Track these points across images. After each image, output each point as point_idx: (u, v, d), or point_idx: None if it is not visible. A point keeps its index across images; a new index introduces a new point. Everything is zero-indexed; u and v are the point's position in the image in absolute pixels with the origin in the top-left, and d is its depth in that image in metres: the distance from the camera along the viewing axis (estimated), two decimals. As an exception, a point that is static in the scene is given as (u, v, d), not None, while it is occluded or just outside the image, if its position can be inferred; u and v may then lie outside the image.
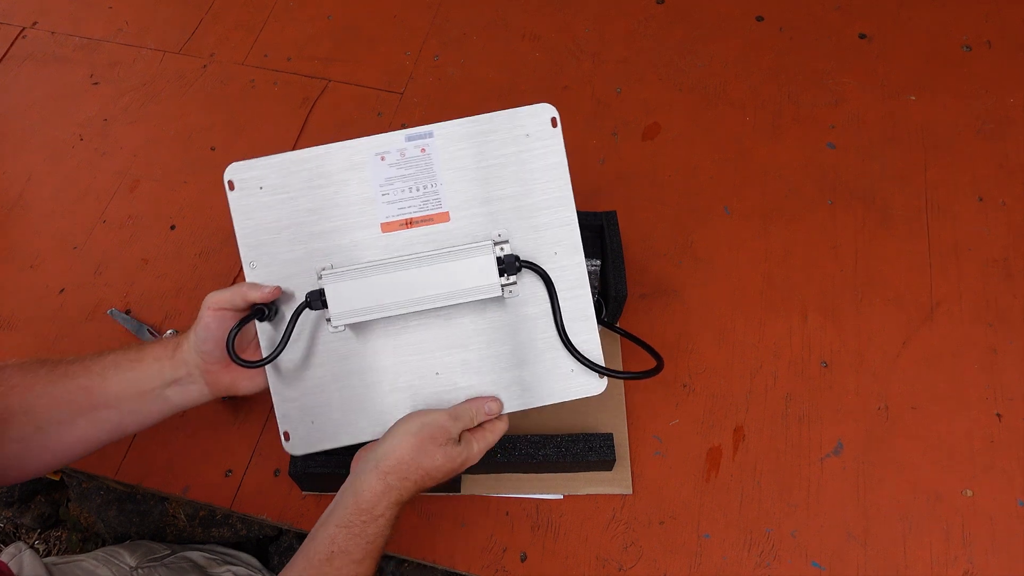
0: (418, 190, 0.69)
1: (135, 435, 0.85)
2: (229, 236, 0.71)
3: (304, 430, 0.71)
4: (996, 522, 0.78)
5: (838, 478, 0.80)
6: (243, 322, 0.67)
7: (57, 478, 1.03)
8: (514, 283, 0.68)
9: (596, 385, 0.69)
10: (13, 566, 0.76)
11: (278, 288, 0.68)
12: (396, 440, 0.65)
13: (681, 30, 1.14)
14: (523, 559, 0.77)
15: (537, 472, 0.80)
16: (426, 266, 0.66)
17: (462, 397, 0.69)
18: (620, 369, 0.87)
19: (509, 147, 0.69)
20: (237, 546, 0.99)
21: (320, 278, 0.67)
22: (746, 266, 0.93)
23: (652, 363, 0.72)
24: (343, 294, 0.66)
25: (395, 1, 1.20)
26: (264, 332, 0.70)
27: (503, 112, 0.69)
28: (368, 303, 0.66)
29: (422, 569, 0.86)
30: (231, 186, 0.70)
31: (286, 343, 0.67)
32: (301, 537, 1.02)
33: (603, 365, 0.68)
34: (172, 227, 0.99)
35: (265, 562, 0.98)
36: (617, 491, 0.80)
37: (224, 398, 0.73)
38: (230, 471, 0.83)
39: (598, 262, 0.87)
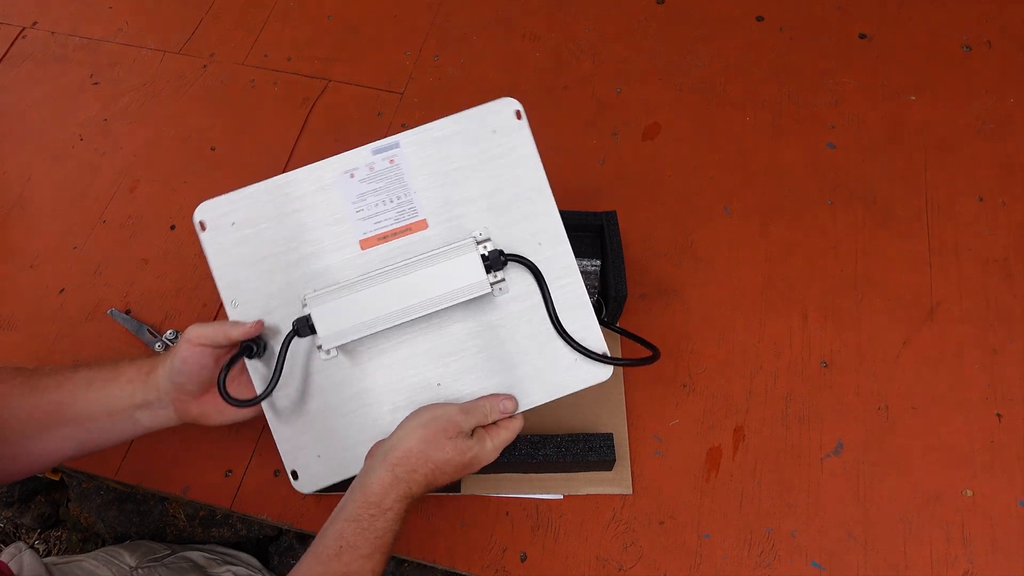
0: (392, 202, 0.68)
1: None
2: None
3: (312, 466, 0.69)
4: (996, 522, 0.78)
5: (838, 478, 0.80)
6: (233, 360, 0.66)
7: (57, 478, 1.03)
8: (502, 280, 0.67)
9: (602, 372, 0.68)
10: (13, 566, 0.76)
11: (260, 322, 0.67)
12: (405, 432, 0.64)
13: (681, 30, 1.14)
14: (523, 559, 0.77)
15: (537, 472, 0.80)
16: (411, 274, 0.65)
17: None
18: (620, 371, 0.86)
19: (477, 146, 0.68)
20: (237, 546, 0.99)
21: (305, 304, 0.66)
22: (746, 266, 0.93)
23: (656, 364, 0.72)
24: (330, 316, 0.64)
25: (395, 1, 1.20)
26: (256, 370, 0.69)
27: (466, 112, 0.69)
28: (357, 321, 0.64)
29: (422, 569, 0.86)
30: (202, 227, 0.69)
31: (279, 377, 0.65)
32: (301, 537, 1.02)
33: (599, 353, 0.67)
34: (172, 227, 0.99)
35: (265, 562, 0.98)
36: (617, 491, 0.80)
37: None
38: (230, 471, 0.83)
39: (598, 262, 0.87)
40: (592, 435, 0.78)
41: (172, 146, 1.06)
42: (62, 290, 0.95)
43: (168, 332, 0.90)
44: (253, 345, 0.67)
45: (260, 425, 0.85)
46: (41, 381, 0.68)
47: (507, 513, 0.80)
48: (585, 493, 0.80)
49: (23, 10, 1.21)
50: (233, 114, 1.09)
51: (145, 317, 0.92)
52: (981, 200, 0.97)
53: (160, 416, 0.70)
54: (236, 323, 0.66)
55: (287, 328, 0.67)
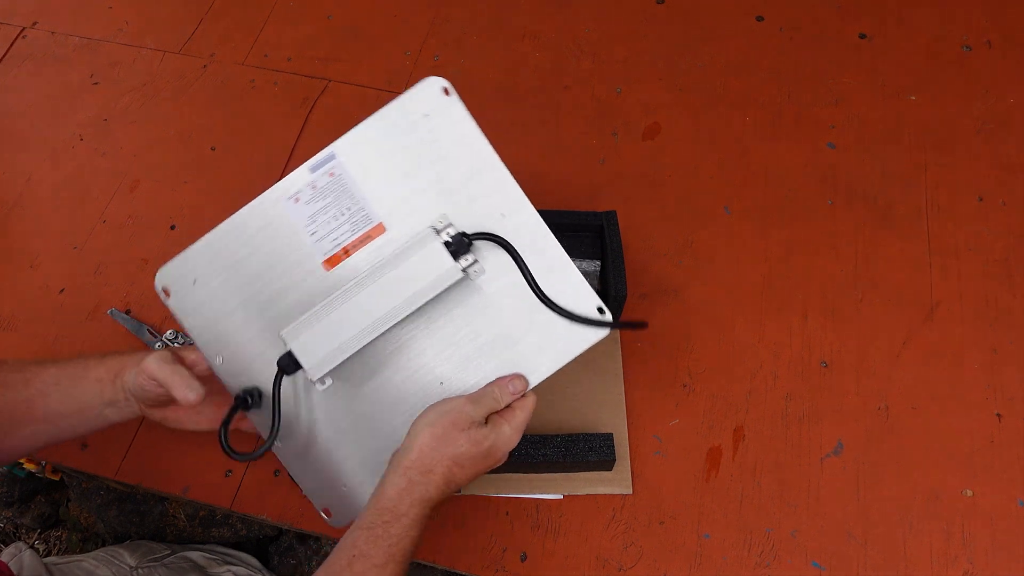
0: (343, 215, 0.66)
1: (136, 433, 0.85)
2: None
3: (342, 498, 0.68)
4: (996, 522, 0.78)
5: (838, 478, 0.80)
6: (230, 415, 0.65)
7: (57, 478, 1.03)
8: (475, 261, 0.65)
9: (598, 331, 0.65)
10: (13, 566, 0.76)
11: (200, 395, 0.63)
12: (415, 434, 0.62)
13: (681, 30, 1.14)
14: (523, 559, 0.77)
15: (537, 472, 0.80)
16: (379, 281, 0.63)
17: None
18: (619, 367, 0.86)
19: (413, 135, 0.66)
20: (237, 546, 0.99)
21: (285, 342, 0.64)
22: (746, 266, 0.93)
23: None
24: (311, 346, 0.63)
25: (395, 1, 1.19)
26: (257, 418, 0.68)
27: (391, 103, 0.66)
28: (338, 343, 0.63)
29: (422, 569, 0.86)
30: (167, 293, 0.68)
31: (279, 423, 0.64)
32: (301, 537, 1.02)
33: (581, 315, 0.65)
34: (172, 227, 0.99)
35: (265, 562, 0.99)
36: (617, 491, 0.80)
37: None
38: (230, 471, 0.83)
39: (598, 262, 0.87)
40: (592, 435, 0.78)
41: (172, 146, 1.06)
42: (62, 290, 0.95)
43: (168, 332, 0.90)
44: (247, 397, 0.66)
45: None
46: (8, 377, 0.68)
47: (507, 513, 0.80)
48: (585, 493, 0.80)
49: (23, 10, 1.21)
50: (233, 114, 1.09)
51: (145, 317, 0.92)
52: (981, 200, 0.97)
53: (126, 412, 0.70)
54: (188, 383, 0.63)
55: (275, 369, 0.65)
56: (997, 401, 0.84)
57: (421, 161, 0.66)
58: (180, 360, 0.66)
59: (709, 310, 0.91)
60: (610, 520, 0.79)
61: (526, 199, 0.66)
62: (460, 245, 0.63)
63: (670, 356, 0.87)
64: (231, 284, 0.67)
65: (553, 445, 0.77)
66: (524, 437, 0.75)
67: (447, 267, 0.63)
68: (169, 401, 0.67)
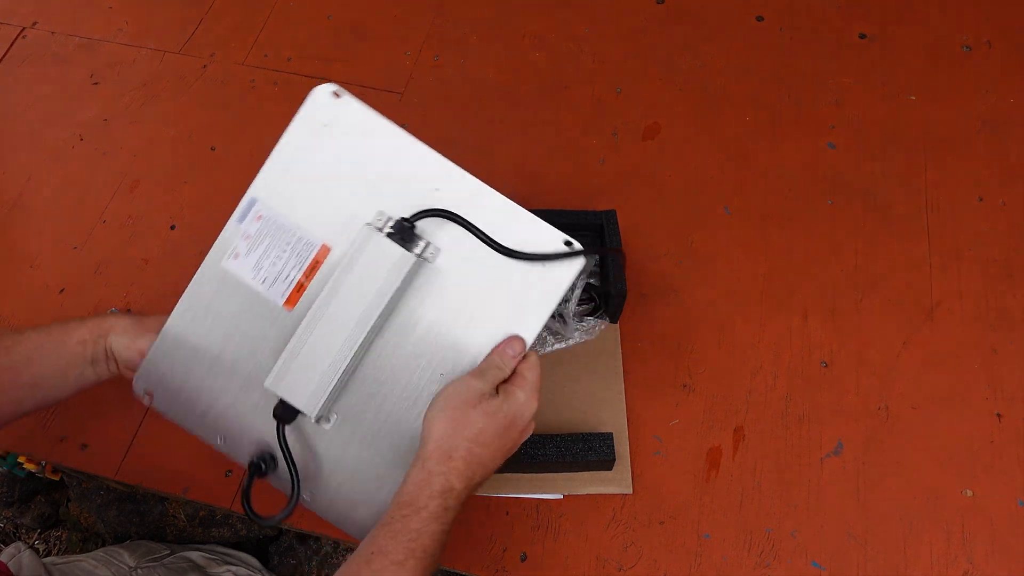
0: (285, 251, 0.66)
1: (136, 433, 0.85)
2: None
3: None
4: (996, 522, 0.78)
5: (838, 478, 0.80)
6: (249, 484, 0.66)
7: (57, 478, 1.03)
8: (428, 244, 0.64)
9: (573, 264, 0.63)
10: (13, 566, 0.76)
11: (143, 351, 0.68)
12: (428, 425, 0.59)
13: (681, 30, 1.14)
14: (523, 559, 0.77)
15: (537, 472, 0.80)
16: (337, 295, 0.62)
17: None
18: (619, 367, 0.86)
19: (321, 148, 0.66)
20: (237, 546, 0.99)
21: (273, 391, 0.63)
22: (746, 266, 0.93)
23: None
24: (296, 386, 0.62)
25: (395, 1, 1.20)
26: (277, 483, 0.67)
27: (289, 127, 0.67)
28: (322, 368, 0.62)
29: (422, 569, 0.86)
30: (149, 397, 0.69)
31: (298, 479, 0.64)
32: (301, 537, 1.02)
33: (550, 252, 0.63)
34: (172, 227, 0.99)
35: (265, 562, 0.99)
36: (617, 491, 0.80)
37: None
38: (230, 471, 0.83)
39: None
40: (592, 435, 0.78)
41: (172, 146, 1.06)
42: (62, 290, 0.95)
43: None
44: (261, 463, 0.66)
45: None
46: None
47: (507, 513, 0.80)
48: (585, 493, 0.80)
49: (23, 10, 1.21)
50: (233, 114, 1.09)
51: (145, 317, 0.92)
52: (981, 200, 0.97)
53: (103, 371, 0.71)
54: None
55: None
56: (997, 401, 0.84)
57: (340, 170, 0.66)
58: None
59: (709, 310, 0.91)
60: (610, 520, 0.79)
61: (452, 164, 0.65)
62: (404, 231, 0.63)
63: (670, 356, 0.87)
64: (205, 369, 0.67)
65: (553, 445, 0.77)
66: (524, 437, 0.75)
67: (398, 256, 0.62)
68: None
